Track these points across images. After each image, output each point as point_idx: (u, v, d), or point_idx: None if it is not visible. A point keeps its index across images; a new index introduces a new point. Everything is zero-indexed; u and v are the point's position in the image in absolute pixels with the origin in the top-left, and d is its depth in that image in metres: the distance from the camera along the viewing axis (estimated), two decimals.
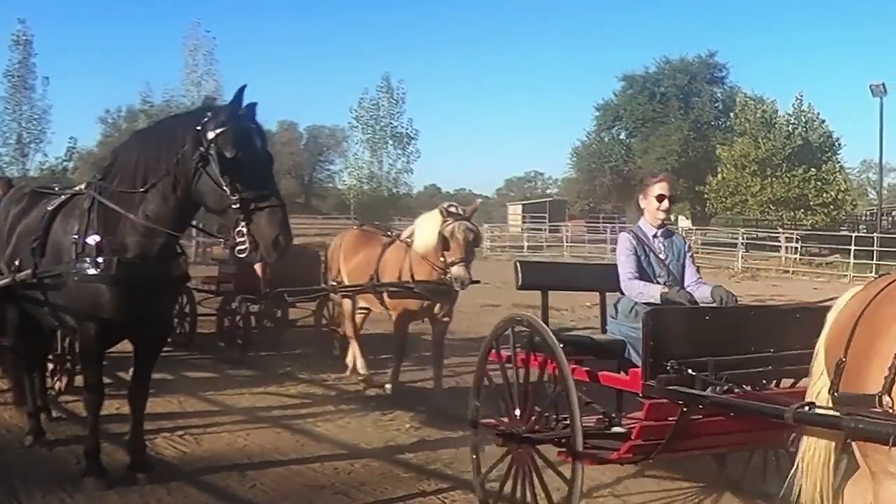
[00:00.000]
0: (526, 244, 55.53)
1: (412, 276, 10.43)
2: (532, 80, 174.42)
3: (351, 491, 7.08)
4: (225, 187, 6.24)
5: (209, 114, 6.53)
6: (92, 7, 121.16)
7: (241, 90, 6.51)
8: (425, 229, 10.39)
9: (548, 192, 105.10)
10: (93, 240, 6.73)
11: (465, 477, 7.45)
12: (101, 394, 7.19)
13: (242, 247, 6.26)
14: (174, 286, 7.25)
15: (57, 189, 8.22)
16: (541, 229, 63.06)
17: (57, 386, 9.81)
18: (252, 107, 6.60)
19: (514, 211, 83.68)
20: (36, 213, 7.58)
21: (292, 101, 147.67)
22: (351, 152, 61.60)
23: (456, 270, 9.85)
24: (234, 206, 6.21)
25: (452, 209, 10.27)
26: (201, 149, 6.34)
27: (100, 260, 6.67)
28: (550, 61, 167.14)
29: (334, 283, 12.09)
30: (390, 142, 56.83)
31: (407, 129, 57.19)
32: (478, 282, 10.47)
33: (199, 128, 6.40)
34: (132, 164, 6.80)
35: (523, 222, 72.19)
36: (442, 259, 10.00)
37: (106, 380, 8.24)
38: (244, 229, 6.22)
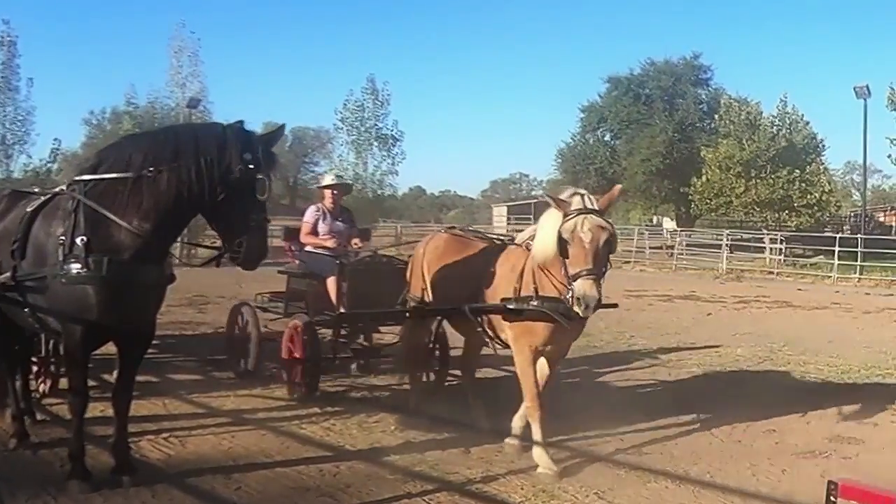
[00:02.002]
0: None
1: (536, 291, 7.99)
2: (517, 82, 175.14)
3: (336, 493, 7.08)
4: (252, 207, 6.64)
5: (238, 131, 6.77)
6: (77, 8, 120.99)
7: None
8: (545, 229, 7.91)
9: (533, 193, 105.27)
10: (81, 240, 6.70)
11: (450, 478, 7.48)
12: (85, 396, 7.16)
13: (237, 258, 6.74)
14: (162, 287, 7.24)
15: (37, 190, 8.19)
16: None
17: (41, 388, 9.76)
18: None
19: (499, 212, 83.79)
20: (14, 215, 7.53)
21: (277, 103, 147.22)
22: (336, 154, 61.28)
23: (579, 286, 7.31)
24: (252, 225, 6.63)
25: (577, 199, 7.66)
26: (241, 166, 6.55)
27: (90, 260, 6.65)
28: (535, 63, 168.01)
29: (414, 303, 9.70)
30: (375, 143, 56.49)
31: (392, 130, 56.93)
32: (614, 305, 8.21)
33: (239, 144, 6.62)
34: (137, 160, 6.76)
35: (508, 224, 72.15)
36: (562, 267, 7.59)
37: (91, 382, 8.23)
38: (244, 242, 6.65)
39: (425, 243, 9.92)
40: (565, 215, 7.56)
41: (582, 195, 7.69)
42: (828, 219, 55.54)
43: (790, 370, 13.54)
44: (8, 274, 7.18)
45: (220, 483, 7.22)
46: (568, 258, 7.49)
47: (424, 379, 10.61)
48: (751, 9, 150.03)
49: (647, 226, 66.56)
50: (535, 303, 7.96)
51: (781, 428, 9.38)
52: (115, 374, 7.53)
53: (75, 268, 6.66)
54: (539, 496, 7.14)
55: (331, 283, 10.59)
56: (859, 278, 36.78)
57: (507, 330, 8.35)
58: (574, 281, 7.38)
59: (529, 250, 8.18)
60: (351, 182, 11.96)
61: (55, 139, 48.35)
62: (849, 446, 8.85)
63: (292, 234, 11.88)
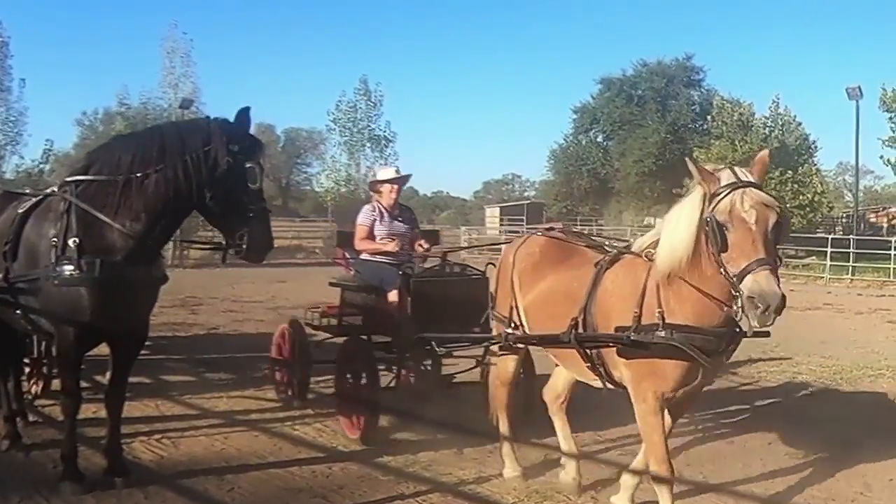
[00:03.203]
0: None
1: (662, 317, 5.93)
2: (509, 83, 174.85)
3: (329, 494, 7.09)
4: (247, 197, 6.62)
5: (222, 124, 6.75)
6: (69, 9, 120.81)
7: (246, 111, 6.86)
8: (678, 223, 5.99)
9: (525, 194, 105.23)
10: (73, 242, 6.68)
11: (442, 479, 7.48)
12: (78, 398, 7.15)
13: (241, 250, 6.66)
14: (155, 288, 7.24)
15: (28, 191, 8.17)
16: (518, 232, 63.07)
17: (33, 390, 9.75)
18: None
19: (492, 213, 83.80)
20: (5, 217, 7.49)
21: (269, 104, 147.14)
22: (328, 155, 61.42)
23: (751, 283, 5.36)
24: (250, 215, 6.61)
25: (726, 173, 5.80)
26: (228, 158, 6.56)
27: (82, 262, 6.63)
28: (528, 64, 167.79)
29: (506, 327, 7.56)
30: (368, 144, 56.67)
31: (385, 131, 57.09)
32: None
33: (224, 137, 6.61)
34: (126, 161, 6.74)
35: (501, 225, 72.19)
36: (718, 266, 5.59)
37: (83, 383, 8.19)
38: (245, 234, 6.61)
39: (515, 249, 7.81)
40: (714, 194, 5.69)
41: (732, 168, 5.86)
42: (820, 220, 55.59)
43: (783, 370, 13.55)
44: (0, 276, 7.15)
45: (212, 484, 7.23)
46: (725, 250, 5.53)
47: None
48: (743, 10, 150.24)
49: (639, 227, 66.58)
50: (662, 333, 5.94)
51: (773, 429, 9.39)
52: (107, 375, 7.52)
53: (68, 269, 6.65)
54: (532, 497, 7.14)
55: (392, 297, 9.04)
56: (851, 279, 36.80)
57: (623, 369, 6.37)
58: (742, 279, 5.41)
59: (650, 261, 6.20)
60: (410, 173, 9.49)
61: (47, 140, 48.43)
62: (841, 447, 8.86)
63: (345, 239, 10.42)
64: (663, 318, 5.95)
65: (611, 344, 6.35)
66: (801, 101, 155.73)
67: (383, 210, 9.84)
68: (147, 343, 8.14)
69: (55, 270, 6.68)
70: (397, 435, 8.96)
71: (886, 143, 47.11)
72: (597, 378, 6.79)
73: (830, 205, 58.02)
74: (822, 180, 55.39)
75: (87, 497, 6.79)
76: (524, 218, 70.47)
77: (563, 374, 7.69)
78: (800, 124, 53.13)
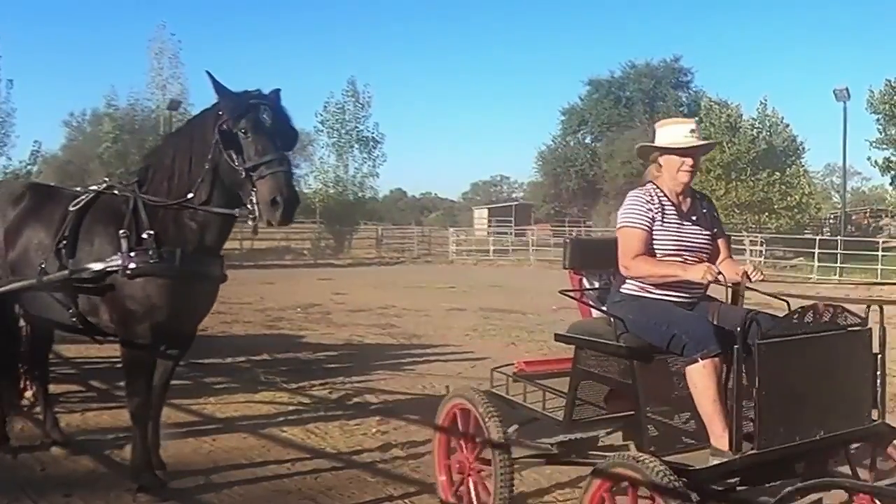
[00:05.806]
0: (492, 248, 55.71)
1: None
2: (498, 85, 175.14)
3: (318, 496, 7.09)
4: (233, 161, 6.26)
5: (216, 103, 6.53)
6: (58, 10, 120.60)
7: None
8: None
9: (513, 195, 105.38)
10: (148, 234, 6.48)
11: (430, 481, 7.48)
12: (148, 401, 7.03)
13: (251, 217, 6.22)
14: (220, 283, 7.03)
15: (78, 189, 7.75)
16: (506, 233, 63.23)
17: (27, 394, 9.69)
18: (276, 92, 6.57)
19: (480, 215, 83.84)
20: (51, 213, 7.10)
21: None
22: (317, 156, 61.27)
23: None
24: (242, 177, 6.23)
25: None
26: (216, 135, 6.35)
27: (163, 251, 6.44)
28: (517, 65, 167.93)
29: None
30: (356, 145, 56.59)
31: (373, 132, 57.04)
32: None
33: (220, 112, 6.41)
34: (180, 168, 6.61)
35: (489, 226, 72.29)
36: None
37: (76, 387, 8.21)
38: (253, 198, 6.20)
39: None
40: None
41: None
42: (808, 221, 55.85)
43: None
44: (66, 272, 6.67)
45: (200, 486, 7.22)
46: None
47: None
48: (731, 12, 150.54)
49: None
50: None
51: None
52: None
53: (145, 258, 6.43)
54: (520, 495, 7.15)
55: (704, 372, 4.75)
56: (839, 280, 36.94)
57: None
58: None
59: None
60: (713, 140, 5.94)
61: (35, 141, 48.41)
62: None
63: (582, 253, 6.17)
64: None
65: None
66: (789, 102, 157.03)
67: (665, 200, 5.61)
68: None
69: (130, 259, 6.44)
70: (386, 437, 8.96)
71: (874, 144, 47.42)
72: None
73: (818, 206, 58.40)
74: (810, 181, 55.83)
75: (75, 498, 6.79)
76: (512, 219, 70.66)
77: None
78: (787, 126, 53.52)
